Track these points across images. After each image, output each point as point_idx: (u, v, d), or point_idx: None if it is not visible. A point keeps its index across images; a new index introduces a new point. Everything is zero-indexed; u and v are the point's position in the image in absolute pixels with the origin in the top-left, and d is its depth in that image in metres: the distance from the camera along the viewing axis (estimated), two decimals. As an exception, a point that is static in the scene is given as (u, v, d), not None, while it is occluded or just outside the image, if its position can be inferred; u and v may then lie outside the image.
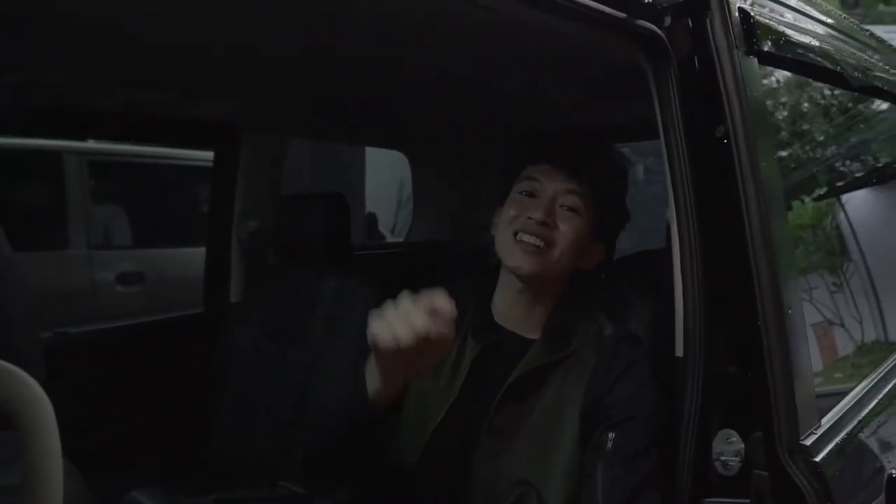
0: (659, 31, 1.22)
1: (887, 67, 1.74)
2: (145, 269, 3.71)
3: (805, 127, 1.58)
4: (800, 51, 1.24)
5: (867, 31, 1.71)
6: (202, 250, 2.38)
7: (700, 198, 1.22)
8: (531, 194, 1.29)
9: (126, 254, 3.80)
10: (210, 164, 2.35)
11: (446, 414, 1.25)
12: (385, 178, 4.73)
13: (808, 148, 1.62)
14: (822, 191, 1.64)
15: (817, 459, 1.03)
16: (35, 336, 0.77)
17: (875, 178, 1.98)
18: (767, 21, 1.13)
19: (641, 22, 1.21)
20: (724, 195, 1.15)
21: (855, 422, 1.21)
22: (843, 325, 1.59)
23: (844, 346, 1.57)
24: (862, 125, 1.84)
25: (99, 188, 3.80)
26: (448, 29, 1.37)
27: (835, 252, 1.69)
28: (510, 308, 1.31)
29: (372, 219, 3.90)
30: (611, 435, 1.16)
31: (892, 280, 1.86)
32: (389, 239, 4.19)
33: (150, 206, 4.02)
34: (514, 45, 1.41)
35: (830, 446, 1.10)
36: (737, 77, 1.04)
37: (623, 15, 1.18)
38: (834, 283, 1.63)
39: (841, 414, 1.20)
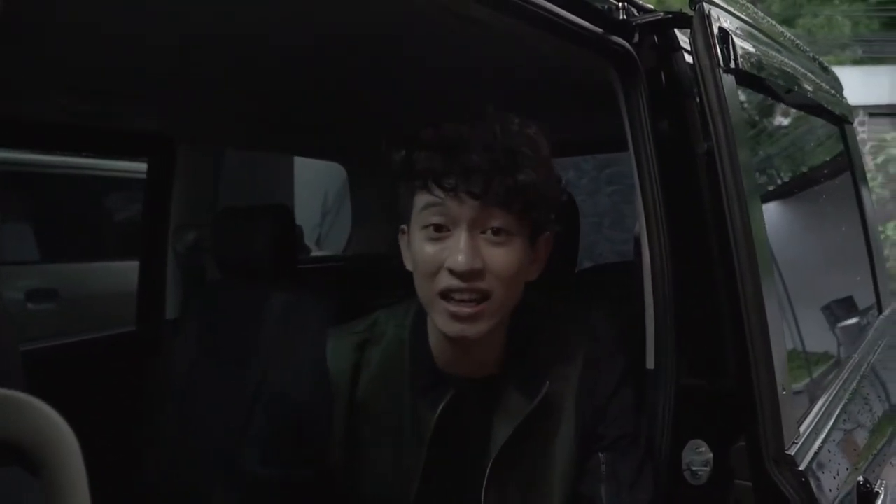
0: (629, 47, 1.25)
1: (828, 88, 1.82)
2: (59, 285, 3.48)
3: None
4: (768, 71, 1.29)
5: (810, 52, 1.80)
6: (122, 264, 2.25)
7: (671, 211, 1.24)
8: (440, 227, 0.98)
9: (37, 269, 3.53)
10: (128, 173, 2.22)
11: (417, 497, 1.08)
12: (309, 188, 4.65)
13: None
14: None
15: (801, 468, 1.06)
16: (16, 356, 0.70)
17: (786, 189, 2.06)
18: (743, 42, 1.16)
19: (614, 38, 1.23)
20: (701, 209, 1.18)
21: (826, 430, 1.25)
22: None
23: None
24: (768, 139, 1.91)
25: (6, 199, 3.54)
26: (404, 38, 1.32)
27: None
28: (457, 358, 1.07)
29: (299, 231, 3.82)
30: (602, 457, 1.09)
31: (805, 291, 1.93)
32: (315, 251, 4.11)
33: (64, 217, 3.77)
34: (472, 55, 1.39)
35: (810, 455, 1.13)
36: (720, 95, 1.07)
37: (599, 31, 1.20)
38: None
39: (815, 422, 1.24)
